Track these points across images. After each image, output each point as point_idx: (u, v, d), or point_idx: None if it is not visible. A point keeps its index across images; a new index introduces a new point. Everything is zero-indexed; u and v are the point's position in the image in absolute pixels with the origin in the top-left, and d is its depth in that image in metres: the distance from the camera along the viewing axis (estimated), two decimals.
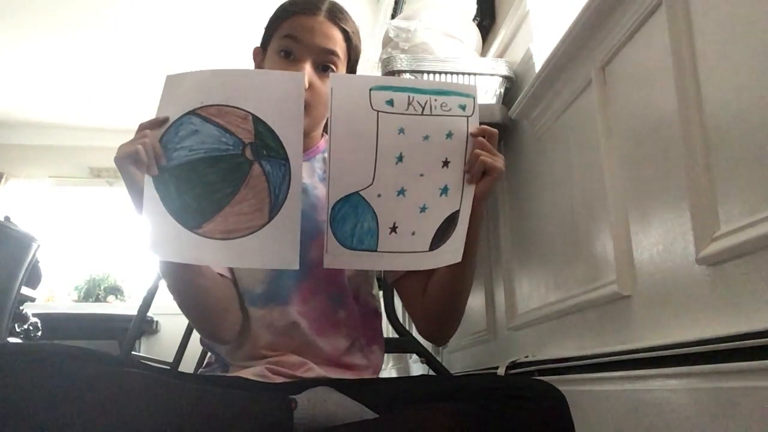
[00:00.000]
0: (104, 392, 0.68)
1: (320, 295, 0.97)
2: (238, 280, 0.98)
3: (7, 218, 2.69)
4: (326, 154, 1.06)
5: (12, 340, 2.66)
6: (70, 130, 5.31)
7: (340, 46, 0.98)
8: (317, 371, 0.92)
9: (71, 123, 5.23)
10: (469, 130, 0.83)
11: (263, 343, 0.95)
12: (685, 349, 0.84)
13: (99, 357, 0.77)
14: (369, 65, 1.90)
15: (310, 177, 1.03)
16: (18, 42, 4.14)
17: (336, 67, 0.98)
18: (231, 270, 0.98)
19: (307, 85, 0.93)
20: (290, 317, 0.95)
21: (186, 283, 0.87)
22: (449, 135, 0.82)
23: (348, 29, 0.99)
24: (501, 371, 1.49)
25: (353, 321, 1.00)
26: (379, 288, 1.84)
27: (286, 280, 0.96)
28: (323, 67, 0.97)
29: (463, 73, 1.64)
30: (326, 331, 0.96)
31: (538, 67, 1.43)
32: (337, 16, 0.98)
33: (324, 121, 1.05)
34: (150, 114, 0.81)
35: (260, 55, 1.04)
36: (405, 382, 0.97)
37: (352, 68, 1.04)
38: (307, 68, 0.95)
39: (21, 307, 2.75)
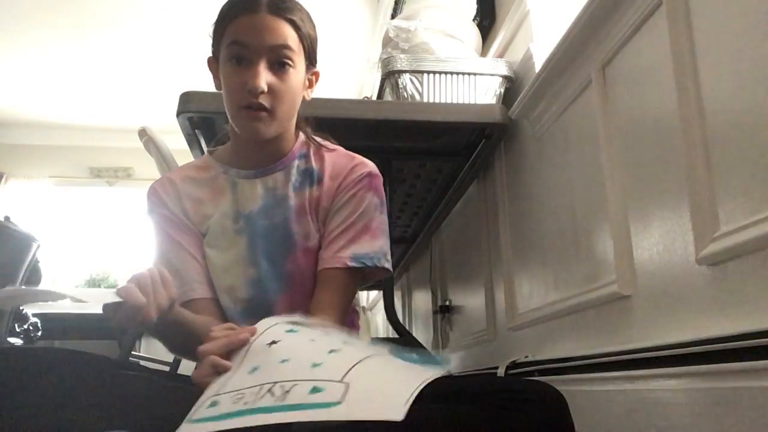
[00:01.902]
0: (101, 395, 0.67)
1: (301, 307, 0.94)
2: (219, 296, 0.99)
3: (7, 218, 2.69)
4: (299, 161, 1.01)
5: (12, 340, 2.66)
6: (70, 130, 5.30)
7: (291, 38, 0.92)
8: None
9: (71, 123, 5.23)
10: None
11: None
12: (685, 349, 0.84)
13: (96, 360, 0.76)
14: (369, 65, 1.90)
15: (283, 187, 0.99)
16: (18, 42, 4.13)
17: (292, 60, 0.92)
18: (212, 286, 0.98)
19: (265, 89, 0.89)
20: None
21: (181, 341, 0.88)
22: None
23: (294, 18, 0.92)
24: (501, 371, 1.48)
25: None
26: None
27: (265, 296, 0.96)
28: (279, 64, 0.91)
29: (463, 73, 1.64)
30: None
31: (538, 67, 1.43)
32: (279, 7, 0.91)
33: (294, 120, 1.01)
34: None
35: (214, 64, 0.98)
36: None
37: (310, 56, 0.97)
38: (261, 71, 0.89)
39: (21, 307, 2.75)
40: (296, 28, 0.92)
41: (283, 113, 0.93)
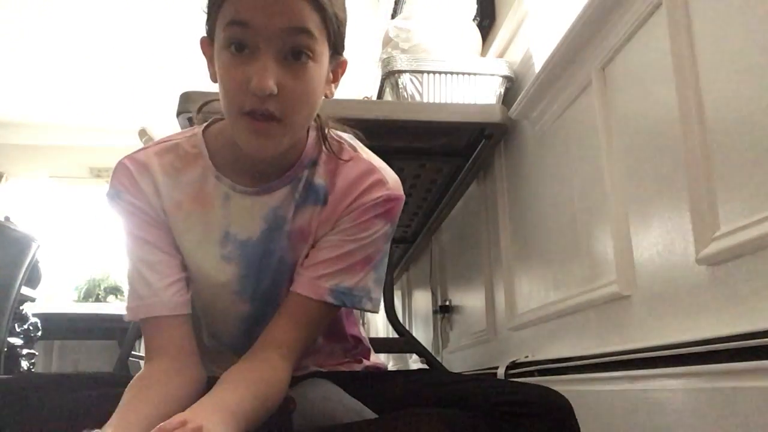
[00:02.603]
0: (98, 416, 0.66)
1: None
2: (211, 331, 0.87)
3: (7, 218, 2.69)
4: (307, 170, 0.81)
5: (12, 340, 2.66)
6: (70, 130, 5.30)
7: (311, 21, 0.69)
8: (312, 368, 0.90)
9: (71, 123, 5.23)
10: None
11: None
12: (685, 349, 0.84)
13: (92, 379, 0.75)
14: (369, 65, 1.89)
15: (286, 207, 0.80)
16: (18, 42, 4.13)
17: (312, 50, 0.69)
18: (185, 298, 0.80)
19: (274, 90, 0.67)
20: None
21: None
22: None
23: None
24: (501, 371, 1.49)
25: (330, 338, 0.92)
26: None
27: (257, 329, 0.80)
28: (294, 54, 0.69)
29: (463, 73, 1.64)
30: (304, 358, 0.85)
31: (538, 67, 1.43)
32: None
33: (313, 118, 0.79)
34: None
35: (208, 46, 0.75)
36: (409, 379, 0.87)
37: (336, 47, 0.75)
38: (269, 65, 0.68)
39: (21, 307, 2.75)
40: (319, 7, 0.69)
41: (299, 123, 0.73)
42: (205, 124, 0.84)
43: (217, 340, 0.88)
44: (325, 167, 0.81)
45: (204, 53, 0.77)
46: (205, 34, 0.76)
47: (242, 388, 0.67)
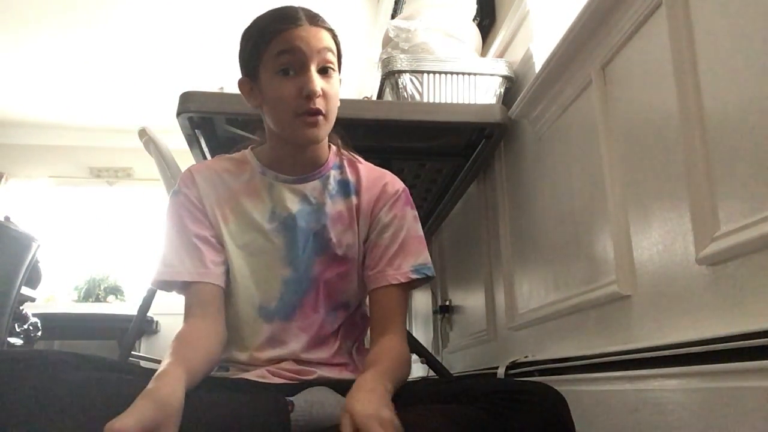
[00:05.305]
0: (97, 399, 0.67)
1: (321, 309, 1.00)
2: (253, 294, 0.99)
3: (7, 218, 2.69)
4: (335, 171, 1.04)
5: (12, 340, 2.65)
6: (70, 130, 5.30)
7: (331, 44, 0.97)
8: (318, 372, 0.93)
9: (71, 123, 5.23)
10: None
11: (263, 357, 0.96)
12: (685, 349, 0.84)
13: (94, 362, 0.76)
14: (369, 65, 1.89)
15: (321, 195, 1.02)
16: (18, 42, 4.13)
17: (334, 64, 0.97)
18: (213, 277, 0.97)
19: (320, 92, 0.92)
20: (291, 332, 0.97)
21: None
22: None
23: (332, 28, 0.99)
24: (501, 371, 1.49)
25: (346, 330, 1.03)
26: None
27: (292, 296, 0.99)
28: (323, 69, 0.95)
29: (463, 73, 1.64)
30: (321, 342, 0.99)
31: (538, 67, 1.43)
32: (317, 18, 0.97)
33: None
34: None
35: (247, 84, 1.00)
36: (405, 384, 0.96)
37: (340, 66, 1.02)
38: (314, 76, 0.93)
39: (21, 307, 2.75)
40: (333, 36, 0.99)
41: (333, 116, 0.98)
42: (251, 146, 1.08)
43: (260, 306, 0.99)
44: (349, 169, 1.06)
45: (242, 91, 1.01)
46: (244, 76, 1.00)
47: (387, 360, 0.88)
